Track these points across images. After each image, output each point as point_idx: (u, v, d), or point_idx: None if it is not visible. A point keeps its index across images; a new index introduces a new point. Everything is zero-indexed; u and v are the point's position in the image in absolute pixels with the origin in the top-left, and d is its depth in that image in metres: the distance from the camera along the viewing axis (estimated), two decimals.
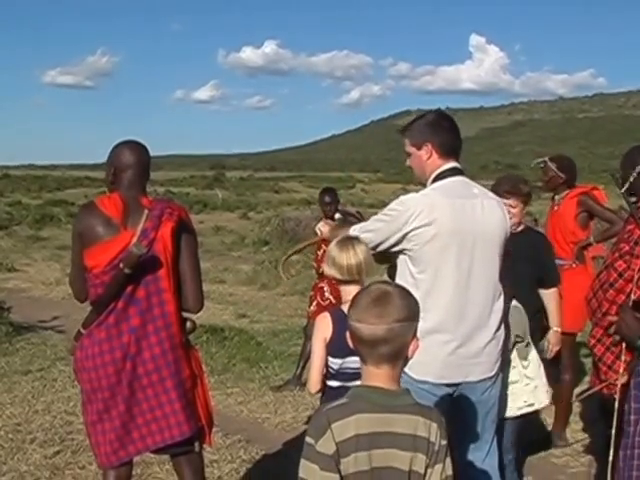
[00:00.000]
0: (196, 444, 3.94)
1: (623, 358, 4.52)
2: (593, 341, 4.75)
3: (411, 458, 2.38)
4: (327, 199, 7.75)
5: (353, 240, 3.72)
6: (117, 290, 3.65)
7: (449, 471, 2.46)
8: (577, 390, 6.78)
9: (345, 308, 3.68)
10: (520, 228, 5.30)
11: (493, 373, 3.87)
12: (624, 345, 3.22)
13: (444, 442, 2.45)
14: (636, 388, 3.18)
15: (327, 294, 7.56)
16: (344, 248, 3.67)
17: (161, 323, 3.74)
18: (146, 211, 3.67)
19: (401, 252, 3.77)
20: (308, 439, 2.42)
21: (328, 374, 3.74)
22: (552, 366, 6.66)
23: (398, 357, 2.45)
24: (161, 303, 3.73)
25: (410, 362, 3.55)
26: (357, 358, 3.52)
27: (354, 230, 3.88)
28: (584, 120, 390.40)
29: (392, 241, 3.71)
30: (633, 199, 4.63)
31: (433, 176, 3.87)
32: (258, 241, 22.90)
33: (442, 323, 3.68)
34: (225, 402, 7.38)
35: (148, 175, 3.98)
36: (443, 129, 3.90)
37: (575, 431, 6.53)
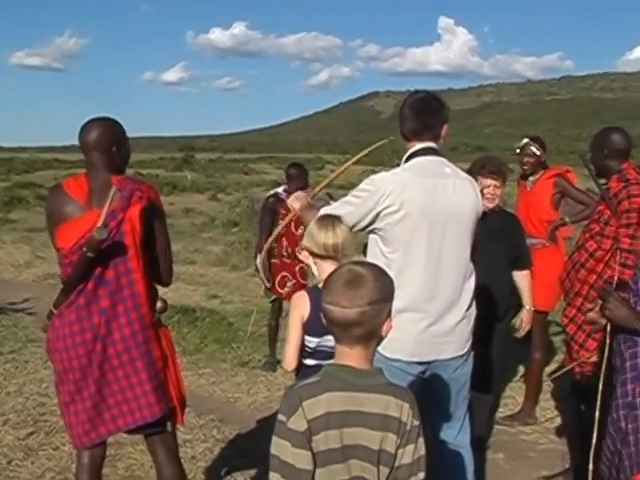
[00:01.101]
0: (168, 424, 3.93)
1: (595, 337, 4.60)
2: (566, 320, 4.83)
3: (381, 438, 2.39)
4: (293, 172, 7.78)
5: (334, 220, 3.65)
6: (84, 272, 3.63)
7: (421, 451, 2.46)
8: (547, 369, 6.86)
9: (320, 285, 3.70)
10: (493, 208, 5.35)
11: (465, 351, 3.90)
12: (609, 329, 3.22)
13: (416, 422, 2.45)
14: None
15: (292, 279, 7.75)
16: (323, 227, 3.62)
17: (131, 304, 3.72)
18: (112, 191, 3.60)
19: (372, 232, 3.78)
20: (280, 416, 2.43)
21: (305, 353, 3.73)
22: (523, 344, 6.75)
23: (371, 338, 2.45)
24: (130, 284, 3.71)
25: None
26: (328, 337, 3.60)
27: (326, 211, 3.82)
28: (552, 102, 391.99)
29: (366, 221, 3.71)
30: (603, 180, 4.70)
31: (406, 155, 3.91)
32: (228, 222, 22.80)
33: (414, 302, 3.69)
34: (197, 382, 7.37)
35: (122, 152, 3.89)
36: (405, 117, 3.93)
37: (544, 409, 6.61)
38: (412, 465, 2.42)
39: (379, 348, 3.57)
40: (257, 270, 8.03)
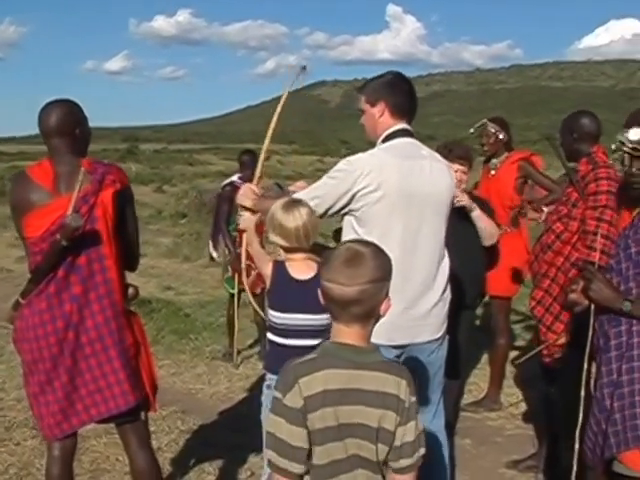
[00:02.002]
0: (142, 413, 3.87)
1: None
2: (533, 303, 4.83)
3: (380, 415, 2.36)
4: (245, 158, 7.72)
5: (297, 203, 3.63)
6: (56, 260, 3.53)
7: (421, 426, 2.46)
8: (511, 354, 6.87)
9: (287, 263, 3.74)
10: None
11: (440, 335, 3.87)
12: (592, 310, 3.19)
13: (413, 399, 2.44)
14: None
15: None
16: (290, 211, 3.59)
17: (103, 290, 3.63)
18: (81, 175, 3.49)
19: (346, 214, 3.72)
20: (276, 393, 2.40)
21: (271, 328, 3.78)
22: (484, 331, 6.76)
23: (370, 316, 2.42)
24: (103, 270, 3.63)
25: None
26: (300, 315, 3.65)
27: (299, 196, 3.75)
28: (501, 91, 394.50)
29: (342, 203, 3.64)
30: (572, 164, 4.70)
31: (383, 136, 3.84)
32: (176, 214, 22.58)
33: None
34: (157, 374, 7.23)
35: (84, 134, 3.79)
36: (399, 90, 3.87)
37: (508, 395, 6.64)
38: (414, 442, 2.42)
39: None
40: (212, 259, 7.94)
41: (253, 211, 3.98)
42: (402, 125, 3.84)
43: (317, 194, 3.68)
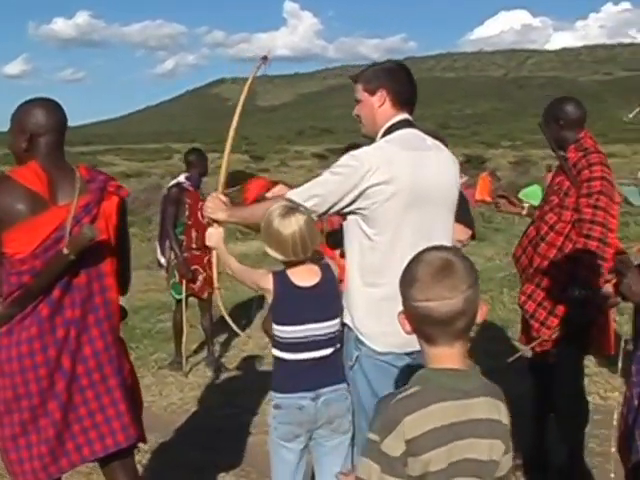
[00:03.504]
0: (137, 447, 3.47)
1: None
2: (524, 298, 4.64)
3: (490, 446, 2.05)
4: (192, 158, 7.49)
5: (293, 211, 3.28)
6: (56, 279, 3.06)
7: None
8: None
9: (289, 272, 3.37)
10: None
11: None
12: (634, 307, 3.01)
13: (508, 422, 2.14)
14: None
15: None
16: (287, 219, 3.25)
17: (103, 314, 3.19)
18: (78, 181, 3.10)
19: (349, 213, 3.37)
20: (372, 435, 2.04)
21: (278, 344, 3.40)
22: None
23: (470, 329, 2.10)
24: (102, 290, 3.19)
25: (371, 334, 3.29)
26: (312, 326, 3.33)
27: (293, 195, 3.38)
28: None
29: (347, 200, 3.29)
30: (562, 152, 4.54)
31: (385, 128, 3.50)
32: None
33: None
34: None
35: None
36: (401, 77, 3.55)
37: None
38: (509, 472, 2.15)
39: (368, 342, 3.31)
40: (160, 266, 7.59)
41: (218, 223, 3.60)
42: (404, 115, 3.51)
43: (317, 192, 3.32)
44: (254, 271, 3.55)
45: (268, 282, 3.36)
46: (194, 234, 7.24)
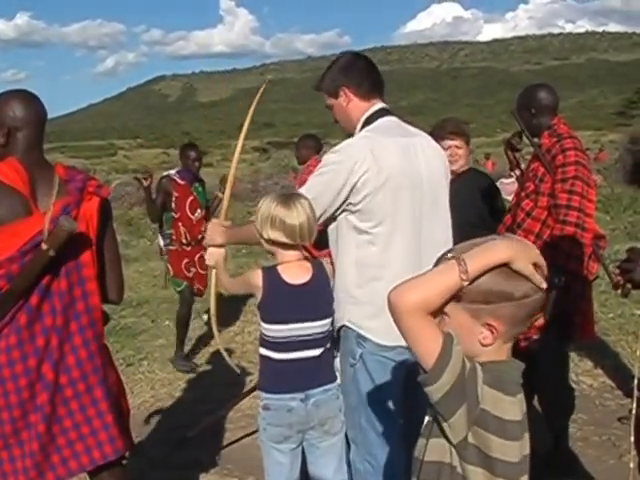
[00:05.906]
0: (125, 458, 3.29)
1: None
2: None
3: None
4: (193, 154, 7.44)
5: (296, 197, 3.23)
6: (34, 280, 2.87)
7: None
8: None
9: (279, 268, 3.30)
10: (464, 168, 5.11)
11: None
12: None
13: None
14: None
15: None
16: (290, 207, 3.17)
17: (86, 320, 3.01)
18: (56, 180, 2.94)
19: (341, 212, 3.31)
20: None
21: (266, 343, 3.33)
22: None
23: None
24: (85, 296, 2.99)
25: (377, 329, 3.23)
26: (303, 325, 3.28)
27: None
28: None
29: (342, 198, 3.23)
30: (536, 139, 4.58)
31: (362, 121, 3.46)
32: None
33: (401, 277, 3.35)
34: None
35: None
36: (356, 69, 3.51)
37: None
38: None
39: (374, 338, 3.28)
40: (162, 253, 7.64)
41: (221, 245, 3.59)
42: (378, 105, 3.49)
43: (311, 194, 3.25)
44: (241, 281, 3.49)
45: (257, 278, 3.29)
46: (182, 229, 7.30)
